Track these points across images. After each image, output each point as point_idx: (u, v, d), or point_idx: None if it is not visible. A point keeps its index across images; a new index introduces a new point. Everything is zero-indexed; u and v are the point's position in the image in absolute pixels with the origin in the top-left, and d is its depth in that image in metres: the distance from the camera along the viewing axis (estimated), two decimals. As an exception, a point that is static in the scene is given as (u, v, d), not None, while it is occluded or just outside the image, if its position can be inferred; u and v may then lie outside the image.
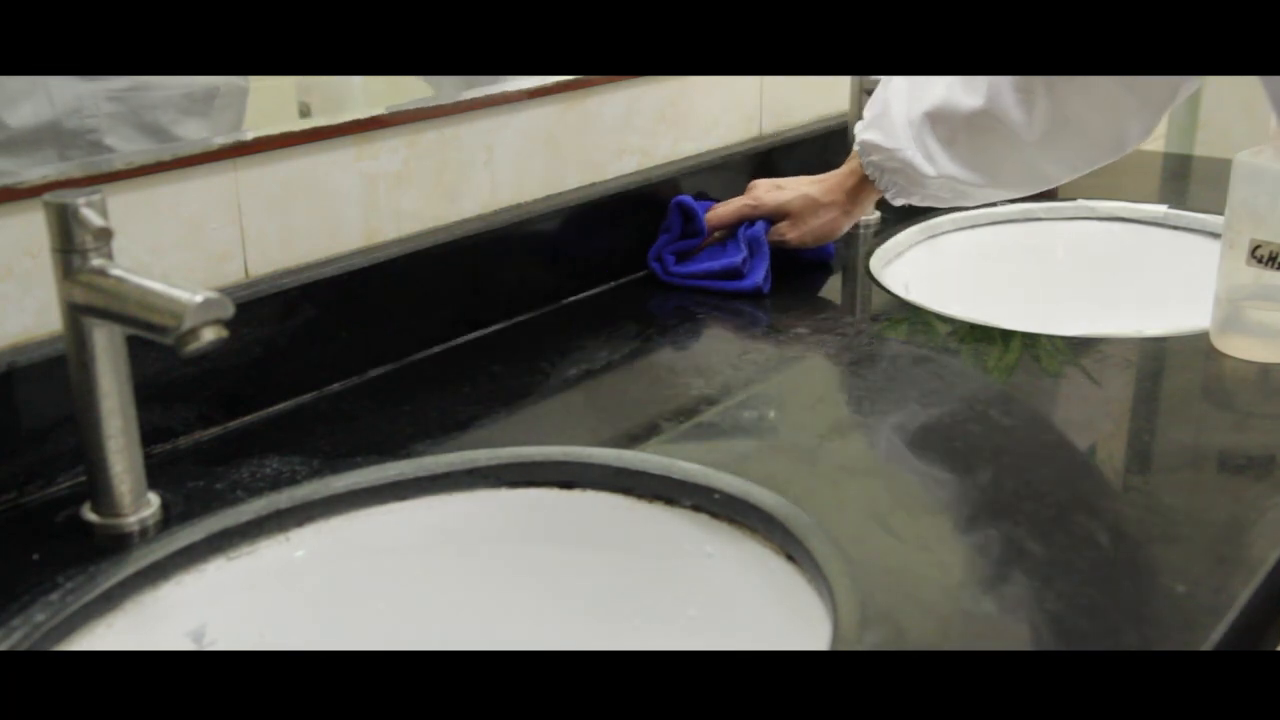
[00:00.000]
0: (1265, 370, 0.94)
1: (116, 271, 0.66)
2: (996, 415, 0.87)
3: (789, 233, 1.14)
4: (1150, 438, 0.87)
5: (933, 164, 1.06)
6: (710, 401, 0.89)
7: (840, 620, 0.64)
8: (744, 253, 1.12)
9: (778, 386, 0.92)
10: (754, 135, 1.30)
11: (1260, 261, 0.93)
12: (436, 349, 0.98)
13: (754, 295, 1.10)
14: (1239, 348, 0.95)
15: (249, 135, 0.86)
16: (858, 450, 0.83)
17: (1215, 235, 1.13)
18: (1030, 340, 0.99)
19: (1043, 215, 1.37)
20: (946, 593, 0.67)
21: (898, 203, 1.12)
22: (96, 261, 0.66)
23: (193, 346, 0.63)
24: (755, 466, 0.78)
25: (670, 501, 0.77)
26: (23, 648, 0.62)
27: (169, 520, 0.73)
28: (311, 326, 0.89)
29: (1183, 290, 1.16)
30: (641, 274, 1.15)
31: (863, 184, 1.12)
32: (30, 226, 0.75)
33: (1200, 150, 2.31)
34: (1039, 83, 1.00)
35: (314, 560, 0.75)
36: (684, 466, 0.77)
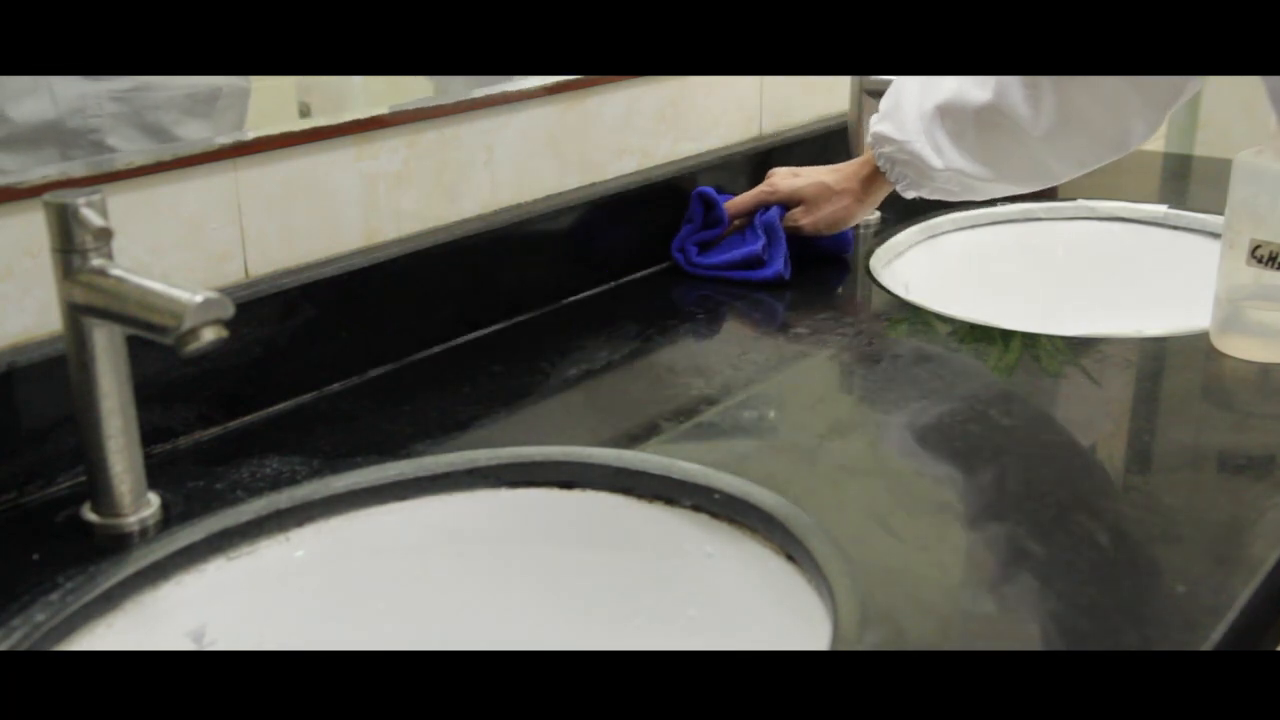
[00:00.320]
0: (1265, 370, 0.94)
1: (116, 271, 0.66)
2: (997, 415, 0.87)
3: (802, 219, 1.16)
4: (1150, 438, 0.87)
5: (941, 157, 1.07)
6: (710, 401, 0.89)
7: (840, 620, 0.64)
8: (762, 239, 1.13)
9: (778, 386, 0.92)
10: (754, 135, 1.30)
11: (1260, 261, 0.93)
12: (436, 349, 0.98)
13: (776, 283, 1.12)
14: (1239, 348, 0.95)
15: (249, 135, 0.86)
16: (858, 450, 0.83)
17: (1215, 235, 1.13)
18: (1030, 340, 0.99)
19: (1043, 215, 1.37)
20: (946, 593, 0.67)
21: (909, 195, 1.13)
22: (96, 261, 0.66)
23: (193, 346, 0.63)
24: (755, 466, 0.78)
25: (670, 501, 0.77)
26: (23, 648, 0.62)
27: (169, 520, 0.73)
28: (311, 326, 0.89)
29: (1183, 290, 1.16)
30: (642, 274, 1.15)
31: (875, 174, 1.13)
32: (30, 226, 0.75)
33: (1200, 150, 2.30)
34: (1045, 79, 1.01)
35: (314, 560, 0.75)
36: (684, 466, 0.77)
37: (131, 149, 0.82)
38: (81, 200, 0.66)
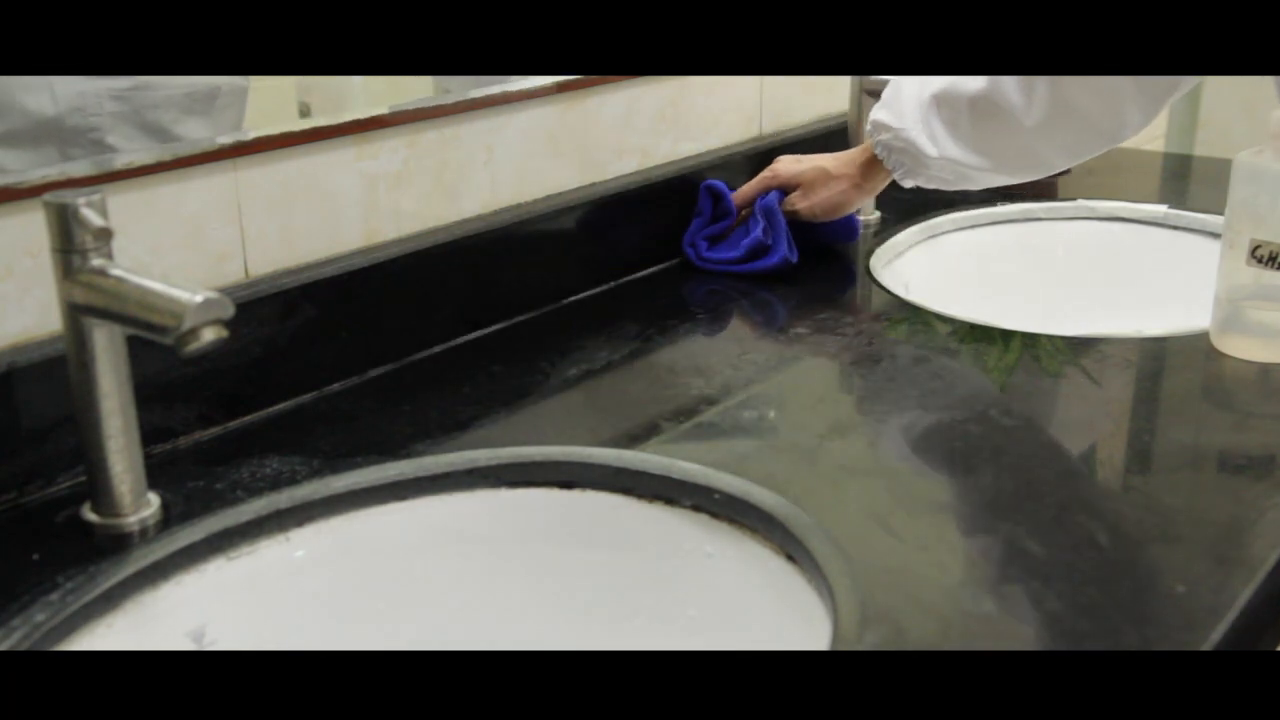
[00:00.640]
0: (1265, 370, 0.94)
1: (116, 271, 0.66)
2: (996, 415, 0.87)
3: (799, 202, 1.17)
4: (1150, 438, 0.87)
5: (936, 145, 1.07)
6: (710, 401, 0.89)
7: (840, 620, 0.64)
8: (762, 223, 1.14)
9: (778, 386, 0.92)
10: (754, 135, 1.30)
11: (1260, 261, 0.93)
12: (436, 349, 0.98)
13: (784, 268, 1.13)
14: (1239, 348, 0.95)
15: (249, 135, 0.86)
16: (858, 450, 0.83)
17: (1215, 235, 1.13)
18: (1030, 340, 0.99)
19: (1043, 215, 1.37)
20: (946, 593, 0.67)
21: (907, 184, 1.13)
22: (96, 261, 0.66)
23: (193, 346, 0.63)
24: (755, 466, 0.78)
25: (670, 501, 0.77)
26: (23, 648, 0.62)
27: (169, 520, 0.73)
28: (311, 326, 0.89)
29: (1183, 290, 1.16)
30: (642, 274, 1.15)
31: (874, 161, 1.14)
32: (30, 226, 0.75)
33: (1200, 150, 2.31)
34: None
35: (314, 560, 0.75)
36: (684, 466, 0.77)
37: (131, 148, 0.82)
38: (81, 200, 0.66)
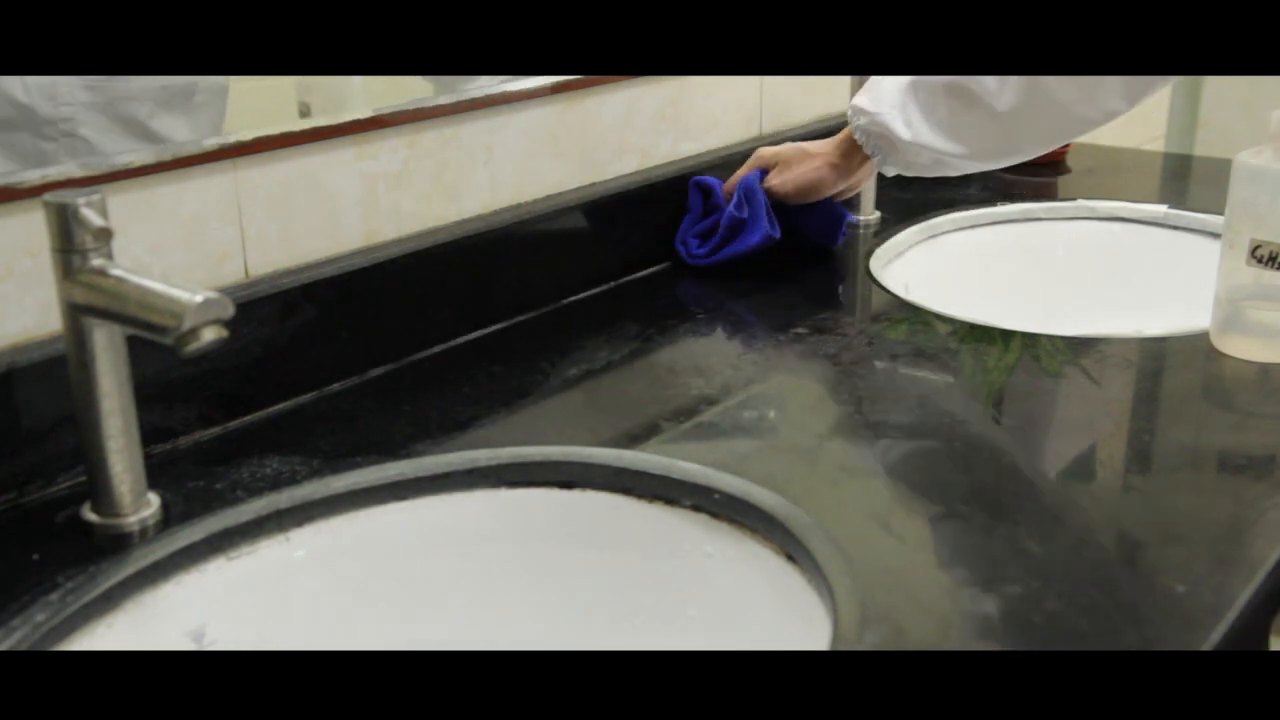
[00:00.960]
0: (1265, 370, 0.94)
1: (116, 271, 0.66)
2: (996, 415, 0.87)
3: (774, 179, 1.16)
4: (1150, 438, 0.87)
5: (910, 129, 1.07)
6: (710, 401, 0.89)
7: (840, 620, 0.64)
8: (737, 199, 1.14)
9: (778, 386, 0.92)
10: (754, 135, 1.30)
11: (1260, 261, 0.93)
12: (436, 349, 0.98)
13: (767, 246, 1.13)
14: (1239, 348, 0.95)
15: (249, 135, 0.86)
16: (858, 450, 0.83)
17: (1215, 235, 1.13)
18: (1030, 340, 0.99)
19: (1043, 215, 1.37)
20: (946, 593, 0.67)
21: (888, 171, 1.13)
22: (96, 261, 0.66)
23: (193, 346, 0.63)
24: (755, 466, 0.78)
25: (670, 501, 0.77)
26: (23, 648, 0.62)
27: (169, 520, 0.73)
28: (311, 326, 0.89)
29: (1183, 290, 1.16)
30: (642, 274, 1.15)
31: (854, 146, 1.13)
32: (30, 226, 0.75)
33: (1200, 150, 2.31)
34: None
35: (314, 560, 0.75)
36: (684, 466, 0.77)
37: (103, 140, 0.81)
38: (81, 200, 0.66)
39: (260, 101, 0.90)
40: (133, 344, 0.70)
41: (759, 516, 0.73)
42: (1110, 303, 1.31)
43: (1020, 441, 0.84)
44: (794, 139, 1.31)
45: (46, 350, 0.75)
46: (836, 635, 0.63)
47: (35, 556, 0.69)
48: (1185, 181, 1.57)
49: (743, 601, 0.74)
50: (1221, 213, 0.97)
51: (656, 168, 1.18)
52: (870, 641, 0.62)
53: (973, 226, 1.35)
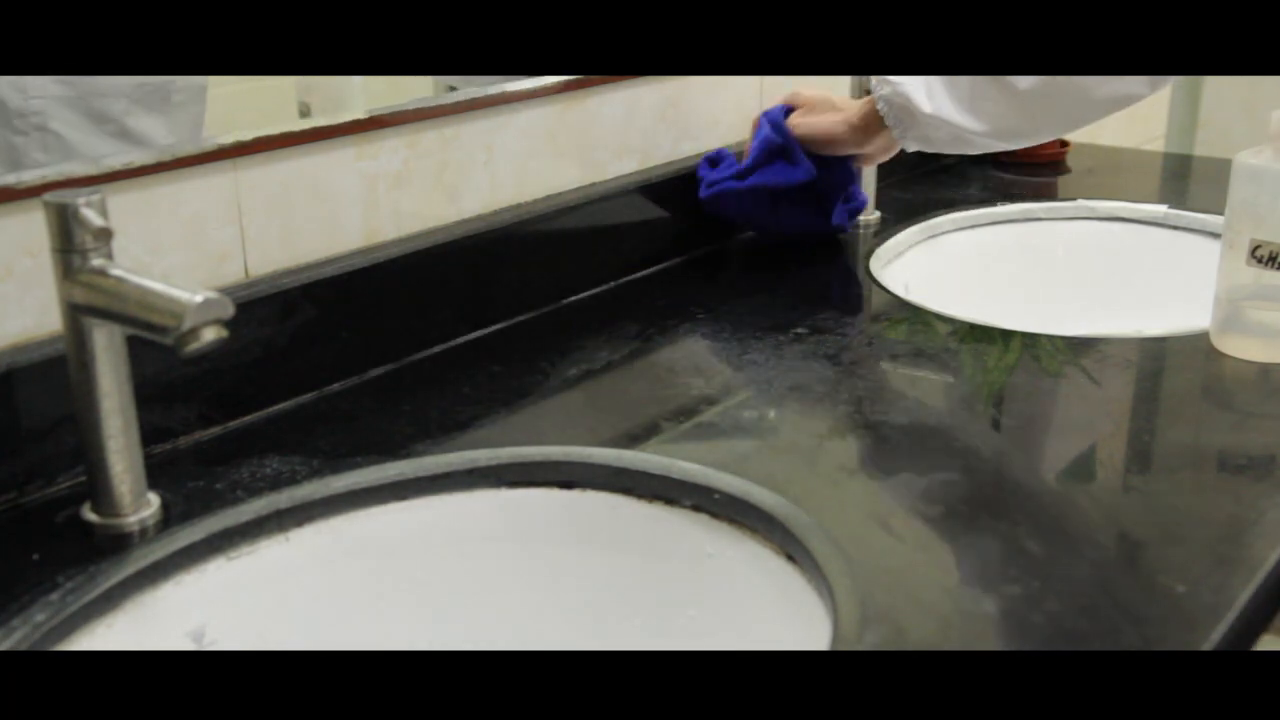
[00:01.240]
0: (1265, 370, 0.94)
1: (116, 271, 0.66)
2: (996, 415, 0.87)
3: (796, 118, 1.16)
4: (1150, 438, 0.87)
5: (932, 103, 1.05)
6: (710, 401, 0.89)
7: (840, 620, 0.64)
8: (767, 128, 1.14)
9: (778, 386, 0.92)
10: (754, 135, 1.30)
11: (1260, 261, 0.93)
12: (436, 349, 0.98)
13: (808, 181, 1.15)
14: (1239, 348, 0.95)
15: (249, 135, 0.86)
16: (858, 450, 0.83)
17: (1215, 235, 1.13)
18: (1030, 340, 0.99)
19: (1043, 215, 1.37)
20: (946, 593, 0.67)
21: (909, 146, 1.11)
22: (96, 261, 0.66)
23: (193, 346, 0.63)
24: (755, 466, 0.78)
25: (670, 501, 0.77)
26: (23, 648, 0.62)
27: (169, 520, 0.73)
28: (311, 326, 0.89)
29: (1183, 290, 1.16)
30: (642, 274, 1.15)
31: (875, 116, 1.11)
32: (30, 226, 0.75)
33: (1200, 150, 2.31)
34: None
35: (314, 560, 0.75)
36: (684, 466, 0.77)
37: (75, 136, 0.80)
38: (81, 200, 0.66)
39: (260, 101, 0.90)
40: (133, 344, 0.70)
41: (759, 516, 0.73)
42: (1110, 303, 1.31)
43: (1020, 441, 0.84)
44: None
45: (46, 350, 0.75)
46: (836, 635, 0.63)
47: (35, 556, 0.69)
48: (1185, 181, 1.57)
49: (743, 601, 0.74)
50: (1221, 213, 0.97)
51: (656, 168, 1.18)
52: (870, 641, 0.62)
53: (973, 226, 1.35)
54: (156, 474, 0.76)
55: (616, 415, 0.88)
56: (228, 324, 0.64)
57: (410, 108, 0.96)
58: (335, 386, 0.91)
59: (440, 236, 0.98)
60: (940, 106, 1.05)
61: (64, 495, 0.76)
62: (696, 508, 0.76)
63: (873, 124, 1.12)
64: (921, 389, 0.91)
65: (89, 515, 0.72)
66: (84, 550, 0.69)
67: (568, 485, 0.79)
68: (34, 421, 0.75)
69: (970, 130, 1.06)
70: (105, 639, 0.66)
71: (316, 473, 0.77)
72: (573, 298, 1.09)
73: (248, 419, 0.86)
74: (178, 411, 0.82)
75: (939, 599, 0.66)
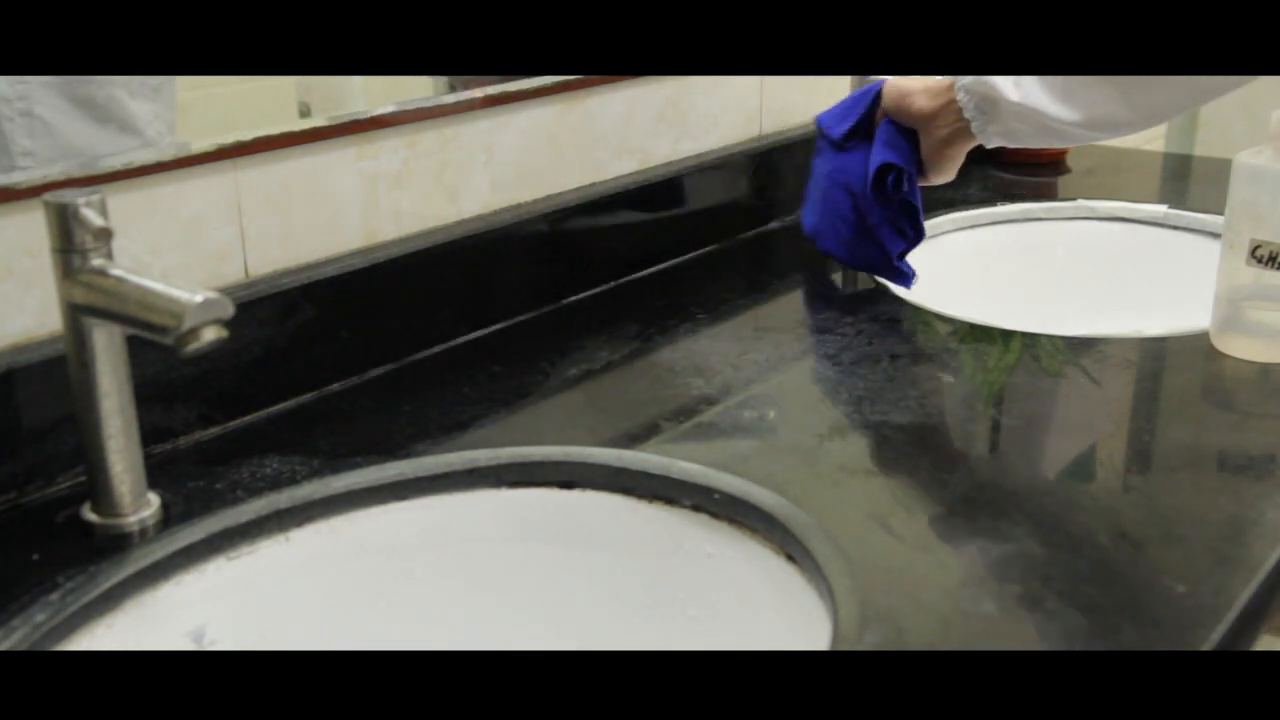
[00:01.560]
0: (1265, 370, 0.94)
1: (116, 271, 0.66)
2: (996, 415, 0.87)
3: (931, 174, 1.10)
4: (1150, 438, 0.87)
5: (1020, 90, 0.97)
6: (710, 401, 0.89)
7: (840, 620, 0.64)
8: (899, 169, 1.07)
9: (778, 386, 0.92)
10: (754, 135, 1.30)
11: (1260, 261, 0.93)
12: (436, 349, 0.98)
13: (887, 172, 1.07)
14: (1239, 348, 0.95)
15: (249, 135, 0.86)
16: (858, 450, 0.83)
17: (1215, 235, 1.13)
18: (1030, 340, 0.99)
19: (1043, 215, 1.37)
20: (946, 593, 0.67)
21: (990, 141, 1.02)
22: (96, 261, 0.66)
23: (193, 346, 0.63)
24: (755, 466, 0.78)
25: (670, 501, 0.77)
26: (23, 648, 0.62)
27: (169, 520, 0.73)
28: (311, 326, 0.89)
29: (1183, 290, 1.16)
30: (642, 274, 1.15)
31: (948, 110, 1.03)
32: (30, 226, 0.75)
33: (1200, 150, 2.30)
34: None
35: (314, 560, 0.75)
36: (684, 466, 0.77)
37: (58, 120, 0.79)
38: (81, 200, 0.66)
39: (260, 101, 0.90)
40: (133, 344, 0.70)
41: (759, 516, 0.73)
42: (1110, 303, 1.31)
43: (1020, 441, 0.84)
44: (794, 139, 1.31)
45: (46, 350, 0.75)
46: (836, 635, 0.63)
47: (35, 556, 0.69)
48: (1185, 181, 1.57)
49: (743, 601, 0.74)
50: (1221, 213, 0.97)
51: (656, 168, 1.18)
52: (870, 641, 0.62)
53: (973, 226, 1.35)
54: (156, 474, 0.76)
55: (616, 415, 0.88)
56: (228, 324, 0.64)
57: (410, 108, 0.96)
58: (335, 386, 0.91)
59: (440, 236, 0.98)
60: (1030, 94, 0.97)
61: (64, 495, 0.76)
62: (696, 508, 0.76)
63: (944, 114, 1.04)
64: (921, 389, 0.91)
65: (89, 515, 0.72)
66: (84, 550, 0.69)
67: (568, 485, 0.79)
68: (34, 421, 0.75)
69: (1063, 120, 0.97)
70: (105, 639, 0.66)
71: (316, 473, 0.77)
72: (573, 298, 1.09)
73: (248, 419, 0.86)
74: (178, 411, 0.82)
75: (939, 599, 0.66)
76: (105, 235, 0.66)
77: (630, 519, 0.78)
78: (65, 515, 0.73)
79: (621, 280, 1.14)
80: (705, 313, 1.07)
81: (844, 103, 1.12)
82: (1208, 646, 0.62)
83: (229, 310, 0.64)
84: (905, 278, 1.11)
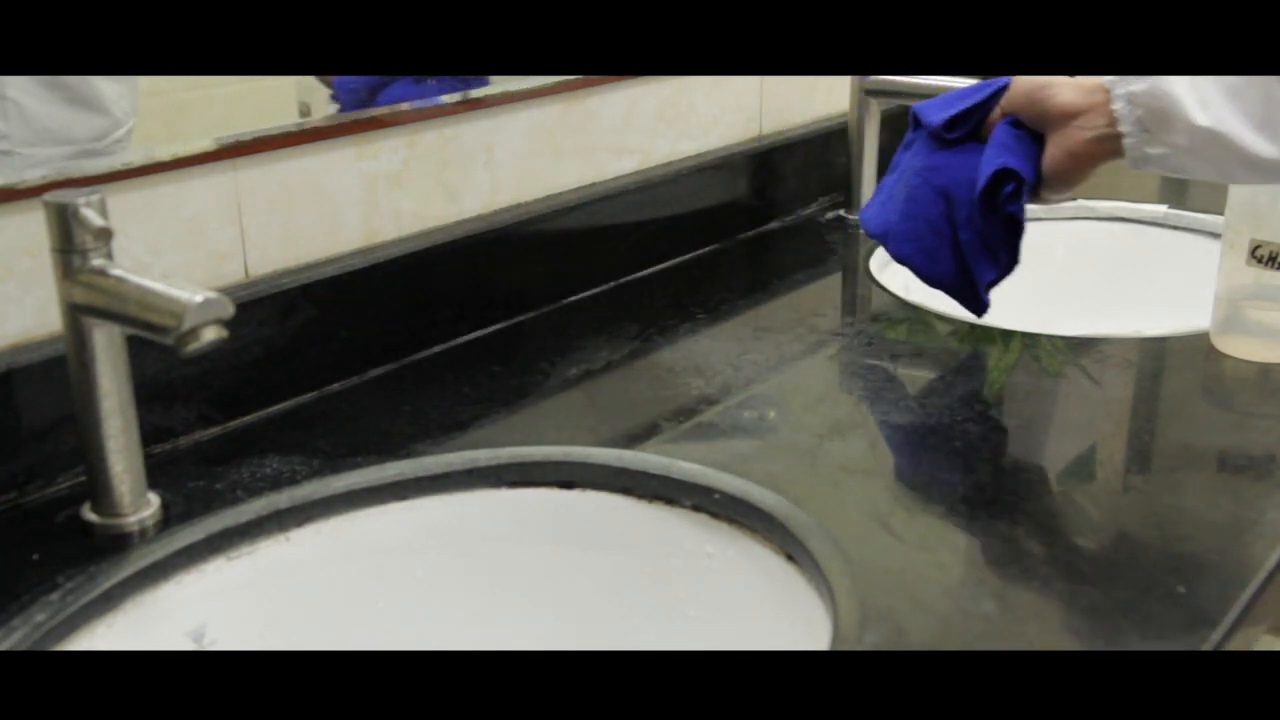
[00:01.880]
0: (1265, 370, 0.94)
1: (116, 271, 0.66)
2: (996, 415, 0.87)
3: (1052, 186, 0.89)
4: (1150, 438, 0.87)
5: (1207, 112, 0.76)
6: (710, 401, 0.89)
7: (840, 620, 0.64)
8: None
9: (778, 386, 0.92)
10: (754, 135, 1.30)
11: (1260, 261, 0.93)
12: (436, 349, 0.98)
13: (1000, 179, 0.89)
14: (1239, 348, 0.95)
15: (249, 135, 0.86)
16: (858, 450, 0.83)
17: (1215, 235, 1.13)
18: (1030, 340, 0.99)
19: (1043, 215, 1.37)
20: (946, 593, 0.67)
21: (1141, 166, 0.82)
22: (96, 261, 0.66)
23: (193, 346, 0.63)
24: (755, 466, 0.78)
25: (670, 501, 0.77)
26: (23, 648, 0.62)
27: (169, 520, 0.73)
28: (311, 326, 0.89)
29: (1183, 290, 1.16)
30: (642, 274, 1.15)
31: (1104, 113, 0.82)
32: (30, 226, 0.75)
33: (1200, 150, 2.30)
34: None
35: (314, 560, 0.75)
36: (684, 466, 0.77)
37: (29, 103, 0.79)
38: (81, 200, 0.66)
39: (260, 101, 0.90)
40: (133, 344, 0.70)
41: (759, 516, 0.73)
42: (1110, 303, 1.31)
43: (1020, 441, 0.84)
44: (794, 139, 1.31)
45: (46, 350, 0.75)
46: (836, 635, 0.63)
47: (35, 556, 0.69)
48: (1185, 181, 1.57)
49: (743, 601, 0.74)
50: (1221, 213, 0.97)
51: (656, 168, 1.18)
52: (870, 641, 0.62)
53: (973, 226, 1.34)
54: (156, 474, 0.76)
55: (616, 415, 0.88)
56: (228, 324, 0.64)
57: (410, 108, 0.96)
58: (335, 386, 0.91)
59: (440, 236, 0.98)
60: (1220, 118, 0.76)
61: (64, 495, 0.76)
62: (696, 508, 0.76)
63: (1093, 115, 0.83)
64: (921, 389, 0.91)
65: (89, 515, 0.72)
66: (84, 550, 0.69)
67: (568, 485, 0.79)
68: (34, 421, 0.75)
69: (1260, 156, 0.76)
70: (105, 639, 0.66)
71: (316, 473, 0.77)
72: (573, 298, 1.09)
73: (248, 419, 0.86)
74: (178, 411, 0.82)
75: (939, 599, 0.66)
76: (105, 235, 0.66)
77: (630, 519, 0.78)
78: (65, 515, 0.73)
79: (621, 280, 1.14)
80: (705, 313, 1.07)
81: (948, 95, 0.95)
82: (1208, 646, 0.62)
83: (229, 310, 0.64)
84: (981, 307, 0.94)
